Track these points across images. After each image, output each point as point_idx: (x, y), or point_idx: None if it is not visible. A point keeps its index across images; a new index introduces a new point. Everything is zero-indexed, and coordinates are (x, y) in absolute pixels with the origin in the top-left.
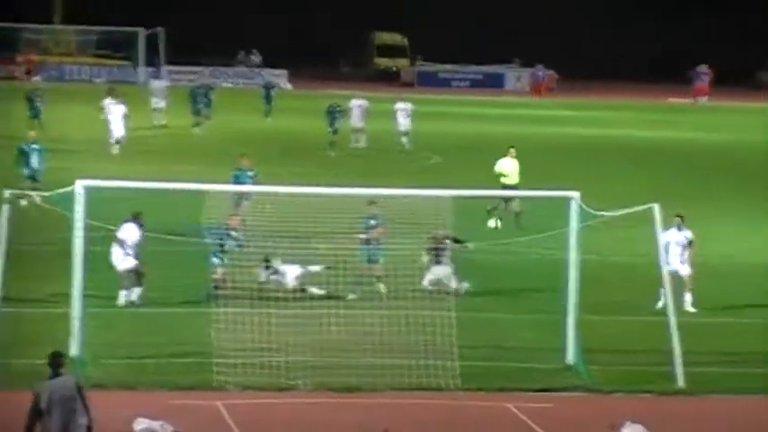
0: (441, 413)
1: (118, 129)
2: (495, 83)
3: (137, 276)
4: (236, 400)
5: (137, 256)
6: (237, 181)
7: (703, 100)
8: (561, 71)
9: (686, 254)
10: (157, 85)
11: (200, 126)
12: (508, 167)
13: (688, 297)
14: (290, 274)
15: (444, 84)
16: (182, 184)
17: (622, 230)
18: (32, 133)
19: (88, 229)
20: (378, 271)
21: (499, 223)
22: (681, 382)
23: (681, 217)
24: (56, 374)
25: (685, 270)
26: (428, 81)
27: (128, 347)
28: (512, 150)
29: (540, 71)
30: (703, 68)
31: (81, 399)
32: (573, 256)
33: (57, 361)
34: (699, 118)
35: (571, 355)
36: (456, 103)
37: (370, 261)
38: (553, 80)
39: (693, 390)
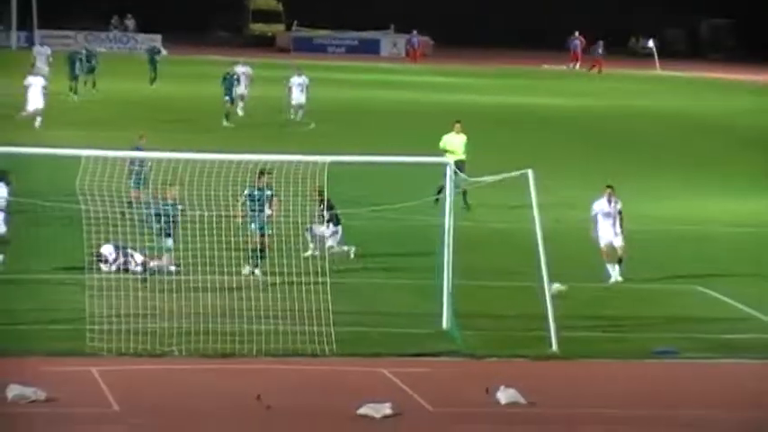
0: (315, 379)
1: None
2: (370, 49)
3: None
4: (110, 366)
5: (5, 220)
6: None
7: (576, 67)
8: (436, 37)
9: (617, 224)
10: (42, 50)
11: (78, 92)
12: (455, 143)
13: (617, 268)
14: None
15: (320, 49)
16: (55, 150)
17: (497, 197)
18: None
19: None
20: (265, 241)
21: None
22: (554, 346)
23: (611, 187)
24: None
25: (618, 242)
26: (304, 47)
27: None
28: (457, 125)
29: (415, 37)
30: (577, 36)
31: None
32: (448, 222)
33: None
34: (571, 85)
35: (446, 321)
36: (332, 69)
37: (259, 230)
38: (428, 46)
39: (567, 354)
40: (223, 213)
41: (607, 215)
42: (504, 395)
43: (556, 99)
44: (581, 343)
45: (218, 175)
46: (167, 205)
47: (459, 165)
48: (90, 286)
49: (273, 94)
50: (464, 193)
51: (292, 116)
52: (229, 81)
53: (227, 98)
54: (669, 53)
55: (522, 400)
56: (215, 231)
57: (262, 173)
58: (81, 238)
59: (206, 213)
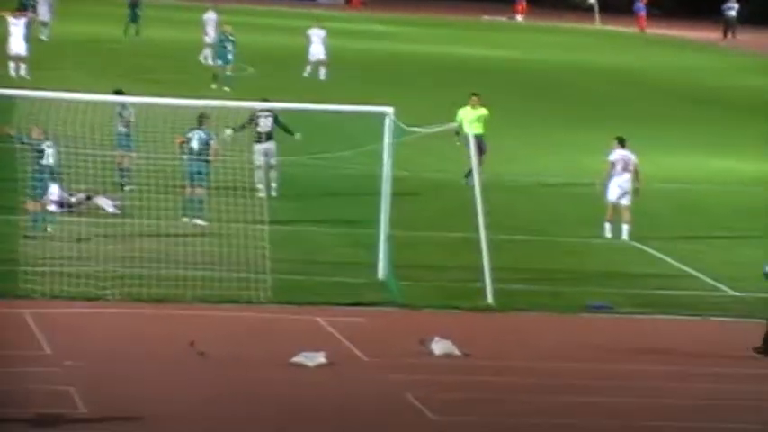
0: (249, 325)
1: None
2: None
3: None
4: (43, 308)
5: None
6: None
7: (519, 18)
8: None
9: (629, 181)
10: None
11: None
12: (470, 118)
13: (624, 228)
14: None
15: None
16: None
17: (434, 147)
18: None
19: None
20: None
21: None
22: (490, 298)
23: (621, 140)
24: None
25: (625, 201)
26: None
27: None
28: (474, 98)
29: None
30: None
31: None
32: (386, 172)
33: None
34: (514, 36)
35: (382, 271)
36: (268, 14)
37: (195, 177)
38: None
39: (502, 306)
40: (167, 159)
41: (627, 171)
42: (439, 346)
43: (494, 51)
44: (516, 296)
45: (164, 121)
46: (33, 142)
47: (479, 139)
48: (22, 228)
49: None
50: (469, 171)
51: (308, 73)
52: (223, 43)
53: (219, 61)
54: (609, 8)
55: (456, 352)
56: (155, 176)
57: (201, 118)
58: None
59: (144, 159)
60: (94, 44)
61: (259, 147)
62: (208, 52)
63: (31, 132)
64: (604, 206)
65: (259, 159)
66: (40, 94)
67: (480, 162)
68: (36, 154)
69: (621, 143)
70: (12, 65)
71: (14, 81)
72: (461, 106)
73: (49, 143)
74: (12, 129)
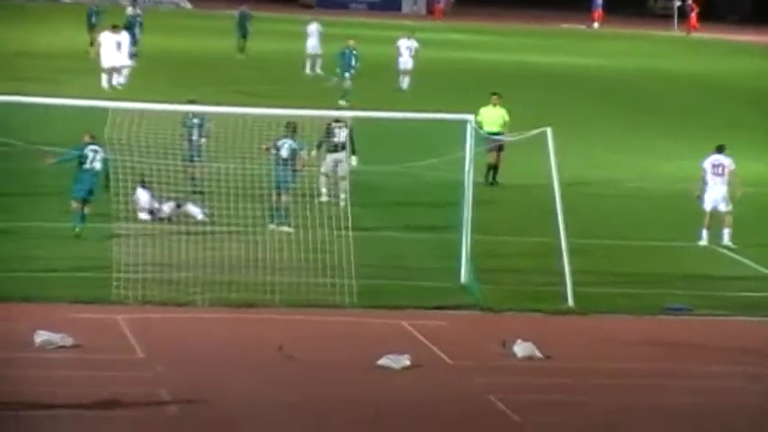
0: (335, 329)
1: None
2: (392, 6)
3: None
4: (135, 314)
5: None
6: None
7: (596, 26)
8: None
9: (726, 188)
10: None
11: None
12: (491, 117)
13: (726, 232)
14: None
15: (342, 6)
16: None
17: (517, 154)
18: None
19: None
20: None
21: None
22: (570, 301)
23: (720, 147)
24: None
25: (724, 207)
26: (327, 3)
27: (29, 261)
28: (494, 98)
29: None
30: None
31: None
32: (468, 179)
33: None
34: (592, 44)
35: (465, 275)
36: (355, 26)
37: (282, 186)
38: (449, 4)
39: (582, 309)
40: (255, 167)
41: (720, 175)
42: (521, 348)
43: (574, 58)
44: (596, 298)
45: (250, 130)
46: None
47: (497, 138)
48: (117, 235)
49: (296, 49)
50: (495, 167)
51: (400, 85)
52: (346, 57)
53: (345, 74)
54: (686, 15)
55: (537, 354)
56: (242, 185)
57: (290, 127)
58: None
59: (232, 167)
60: (199, 58)
61: (330, 156)
62: (311, 63)
63: (83, 138)
64: (701, 213)
65: (328, 167)
66: (114, 105)
67: (498, 160)
68: (81, 158)
69: (719, 149)
70: (104, 77)
71: (107, 92)
72: (544, 114)
73: (94, 148)
74: (52, 157)
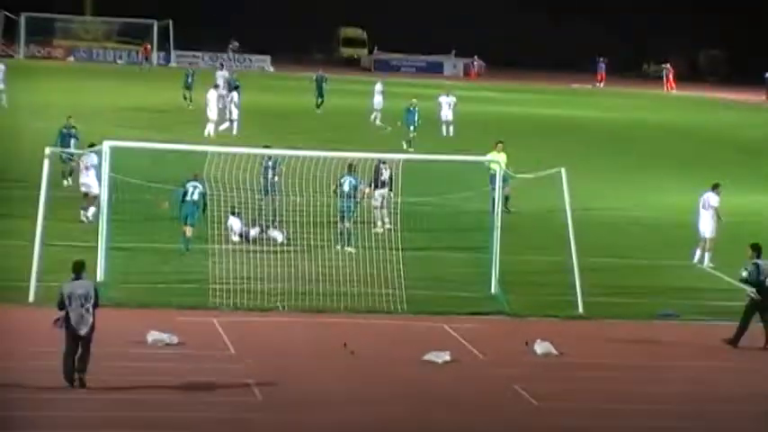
0: (388, 331)
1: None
2: (435, 69)
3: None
4: (228, 317)
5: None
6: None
7: (601, 85)
8: (489, 60)
9: (713, 219)
10: (220, 73)
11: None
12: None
13: (706, 255)
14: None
15: (395, 69)
16: (179, 145)
17: (536, 189)
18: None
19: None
20: (348, 224)
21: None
22: (580, 309)
23: (716, 186)
24: (77, 277)
25: (709, 234)
26: (382, 67)
27: (144, 275)
28: (499, 145)
29: (474, 61)
30: (602, 59)
31: (94, 299)
32: (497, 209)
33: (77, 267)
34: (597, 100)
35: (494, 287)
36: (404, 85)
37: (345, 214)
38: (482, 68)
39: (590, 315)
40: (324, 199)
41: (707, 209)
42: (540, 347)
43: (582, 111)
44: (601, 306)
45: (320, 169)
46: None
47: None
48: (212, 254)
49: (361, 104)
50: (507, 198)
51: (444, 133)
52: (412, 113)
53: (411, 127)
54: (674, 76)
55: (554, 351)
56: (314, 214)
57: (350, 166)
58: (206, 215)
59: (306, 199)
60: (282, 112)
61: (378, 191)
62: (375, 115)
63: (191, 176)
64: (694, 238)
65: (376, 201)
66: (211, 148)
67: (508, 192)
68: (184, 193)
69: (713, 187)
70: (209, 125)
71: (209, 139)
72: (557, 156)
73: (195, 184)
74: (165, 203)
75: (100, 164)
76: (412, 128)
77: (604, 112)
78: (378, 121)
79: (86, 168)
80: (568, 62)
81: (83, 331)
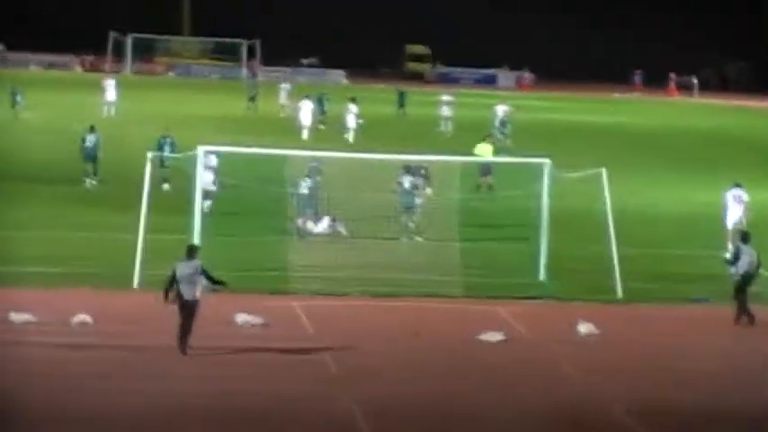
0: (449, 314)
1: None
2: (490, 81)
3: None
4: (306, 302)
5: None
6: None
7: (637, 95)
8: (539, 73)
9: (743, 213)
10: (284, 86)
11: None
12: (484, 150)
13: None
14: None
15: (455, 81)
16: (264, 149)
17: (579, 186)
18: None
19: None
20: (415, 217)
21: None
22: (619, 293)
23: (739, 184)
24: (190, 258)
25: (740, 226)
26: (444, 79)
27: (233, 263)
28: (488, 138)
29: (525, 73)
30: (638, 71)
31: (205, 275)
32: (545, 204)
33: (191, 249)
34: (633, 108)
35: (542, 274)
36: (463, 95)
37: (410, 209)
38: (533, 80)
39: (628, 299)
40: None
41: (736, 203)
42: (583, 327)
43: (620, 118)
44: (637, 291)
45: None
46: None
47: (486, 168)
48: (292, 246)
49: (430, 113)
50: (490, 186)
51: (500, 138)
52: (503, 122)
53: (502, 132)
54: (703, 87)
55: (595, 331)
56: (379, 209)
57: (409, 167)
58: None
59: (377, 196)
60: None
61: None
62: (445, 123)
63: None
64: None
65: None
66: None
67: (488, 181)
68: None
69: (738, 185)
70: (304, 131)
71: (304, 142)
72: (599, 158)
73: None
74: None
75: (217, 165)
76: (502, 135)
77: (640, 118)
78: (449, 128)
79: (206, 168)
80: (609, 74)
81: (189, 301)
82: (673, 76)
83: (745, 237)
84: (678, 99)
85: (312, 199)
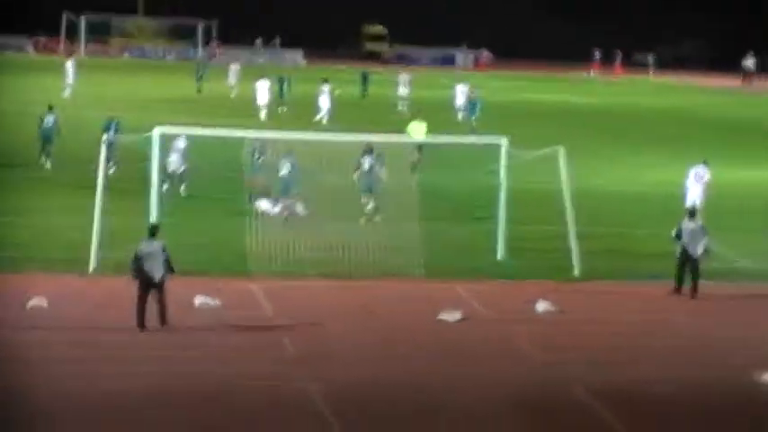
0: (407, 293)
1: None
2: (448, 61)
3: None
4: (264, 283)
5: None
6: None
7: (594, 74)
8: (496, 52)
9: (703, 190)
10: (233, 66)
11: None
12: (416, 129)
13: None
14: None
15: (413, 61)
16: (219, 130)
17: (536, 166)
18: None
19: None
20: (372, 198)
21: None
22: (576, 272)
23: (705, 162)
24: (152, 236)
25: (698, 203)
26: (401, 59)
27: (191, 246)
28: (419, 118)
29: (484, 52)
30: (597, 50)
31: (165, 255)
32: (503, 183)
33: (152, 229)
34: (590, 87)
35: (500, 253)
36: (421, 76)
37: (370, 190)
38: (490, 59)
39: (585, 277)
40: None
41: (696, 182)
42: (541, 305)
43: (576, 97)
44: (594, 269)
45: (341, 152)
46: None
47: (420, 146)
48: (249, 226)
49: (389, 93)
50: (414, 164)
51: (459, 119)
52: (473, 104)
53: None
54: (660, 65)
55: (553, 309)
56: (334, 191)
57: (368, 147)
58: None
59: (333, 178)
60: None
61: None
62: (402, 102)
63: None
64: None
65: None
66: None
67: (419, 160)
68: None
69: (704, 162)
70: (262, 111)
71: (263, 124)
72: (555, 137)
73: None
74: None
75: (185, 148)
76: (473, 117)
77: (596, 98)
78: (402, 108)
79: (173, 151)
80: (568, 52)
81: (156, 278)
82: (619, 54)
83: (692, 213)
84: (622, 77)
85: (266, 177)
